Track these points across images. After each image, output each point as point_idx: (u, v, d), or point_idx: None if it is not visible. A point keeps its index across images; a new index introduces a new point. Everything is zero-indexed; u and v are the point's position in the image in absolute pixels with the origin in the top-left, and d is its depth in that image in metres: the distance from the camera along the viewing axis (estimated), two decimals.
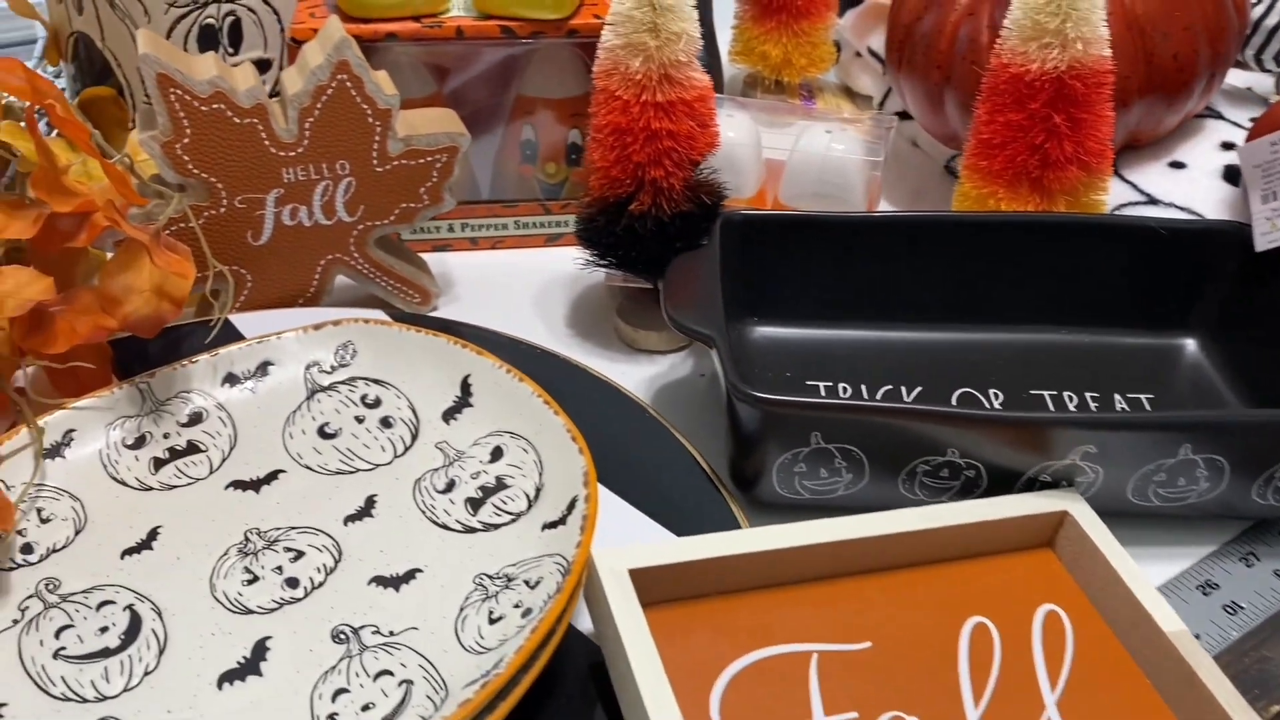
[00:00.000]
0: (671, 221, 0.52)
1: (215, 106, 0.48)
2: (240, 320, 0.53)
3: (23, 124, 0.52)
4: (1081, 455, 0.44)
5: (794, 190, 0.60)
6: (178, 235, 0.50)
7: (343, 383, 0.48)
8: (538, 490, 0.42)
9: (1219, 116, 0.66)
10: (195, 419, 0.46)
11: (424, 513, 0.43)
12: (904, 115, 0.78)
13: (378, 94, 0.51)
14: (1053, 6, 0.52)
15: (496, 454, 0.45)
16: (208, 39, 0.58)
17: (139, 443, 0.45)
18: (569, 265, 0.60)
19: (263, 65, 0.60)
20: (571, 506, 0.40)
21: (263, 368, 0.48)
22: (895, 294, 0.56)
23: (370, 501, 0.43)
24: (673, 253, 0.53)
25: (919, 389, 0.54)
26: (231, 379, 0.47)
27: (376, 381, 0.48)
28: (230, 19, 0.58)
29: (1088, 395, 0.54)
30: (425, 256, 0.60)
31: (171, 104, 0.48)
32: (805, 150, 0.60)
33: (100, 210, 0.47)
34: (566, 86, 0.61)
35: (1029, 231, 0.55)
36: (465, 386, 0.47)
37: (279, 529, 0.42)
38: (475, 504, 0.43)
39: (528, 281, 0.62)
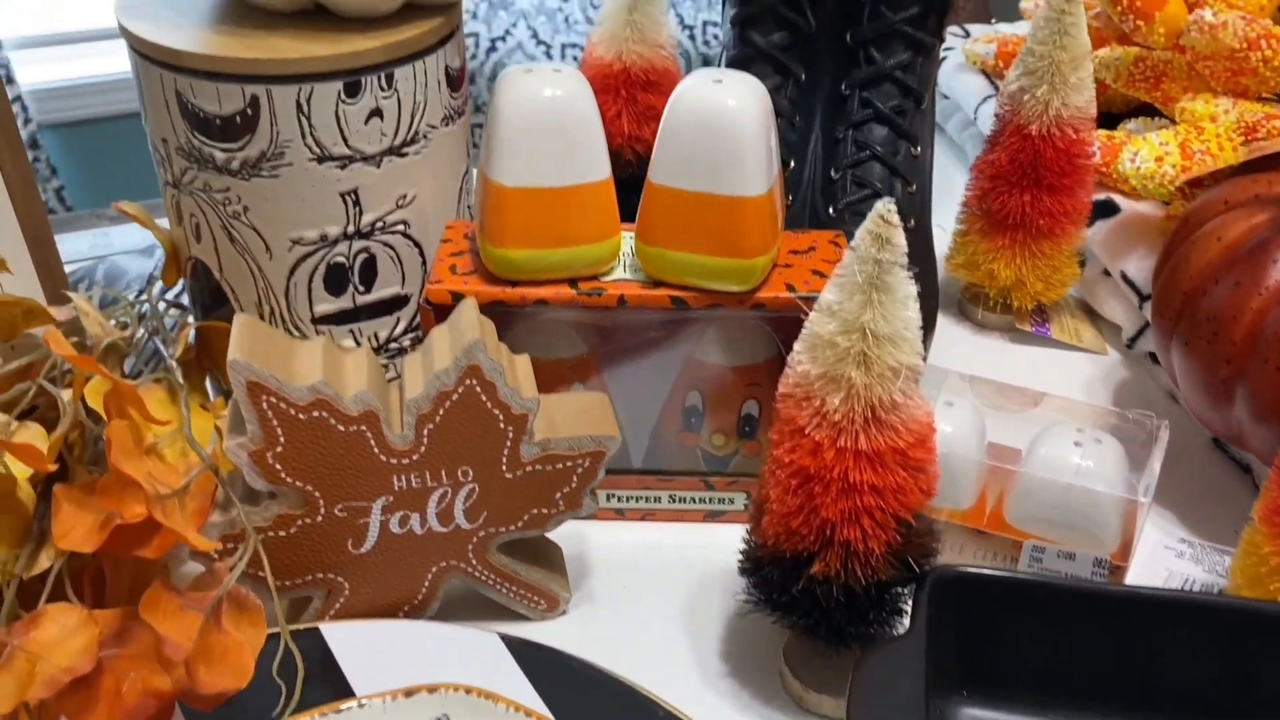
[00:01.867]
0: (866, 592, 0.40)
1: (316, 415, 0.40)
2: (331, 631, 0.44)
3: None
4: None
5: (1025, 512, 0.48)
6: (265, 544, 0.42)
7: None
8: None
9: None
10: None
11: None
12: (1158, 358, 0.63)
13: (513, 399, 0.42)
14: None
15: None
16: (336, 279, 0.50)
17: None
18: (729, 552, 0.49)
19: (398, 302, 0.52)
20: None
21: None
22: (1153, 683, 0.43)
23: None
24: (864, 623, 0.42)
25: None
26: None
27: None
28: (363, 256, 0.50)
29: None
30: (561, 531, 0.51)
31: (263, 412, 0.40)
32: (1045, 467, 0.47)
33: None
34: (746, 353, 0.50)
35: None
36: None
37: None
38: None
39: (678, 575, 0.51)
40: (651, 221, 0.46)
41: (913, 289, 0.38)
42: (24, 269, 0.52)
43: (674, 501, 0.53)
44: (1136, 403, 0.62)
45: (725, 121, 0.43)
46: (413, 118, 0.48)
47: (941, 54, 0.88)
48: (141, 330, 0.52)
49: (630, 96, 0.65)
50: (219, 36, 0.46)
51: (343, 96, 0.46)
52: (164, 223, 0.54)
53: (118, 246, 0.71)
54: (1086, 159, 0.61)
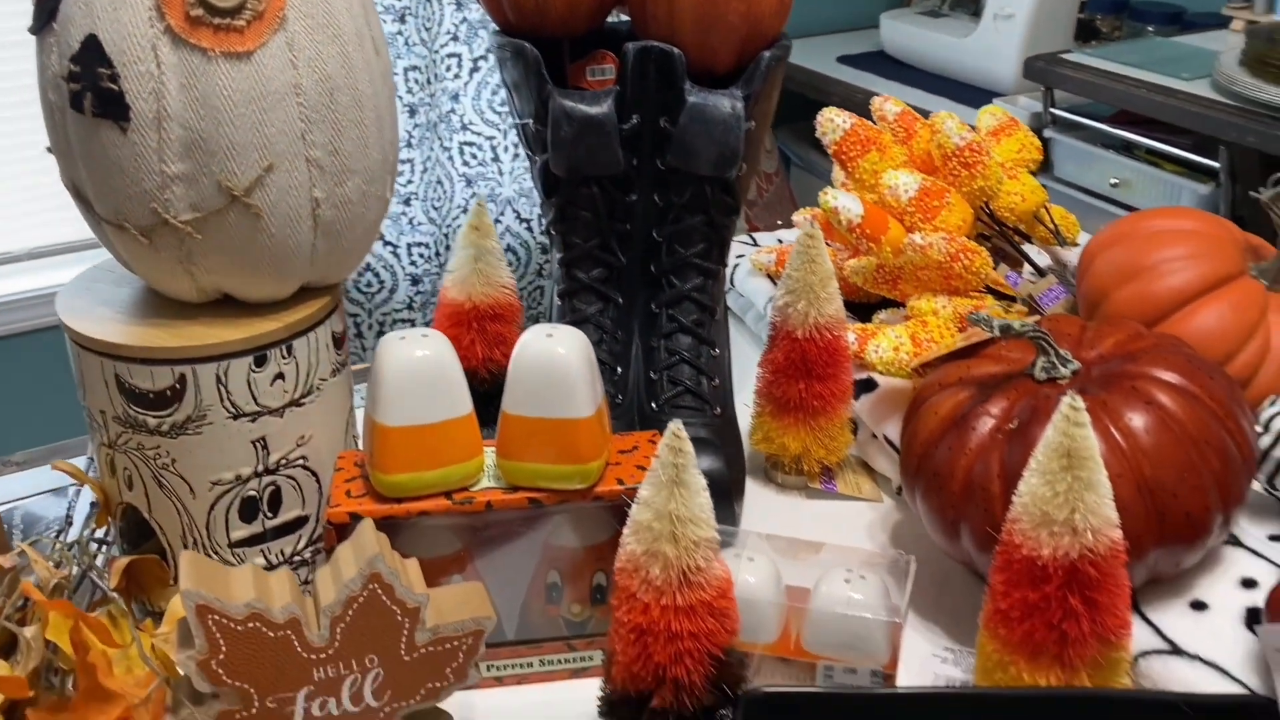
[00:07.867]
0: (694, 716, 0.52)
1: (251, 625, 0.50)
2: None
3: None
4: None
5: (816, 641, 0.61)
6: None
7: None
8: None
9: (1238, 543, 0.66)
10: None
11: None
12: None
13: (408, 595, 0.53)
14: (1059, 499, 0.53)
15: None
16: (248, 509, 0.60)
17: None
18: (591, 701, 0.60)
19: (300, 522, 0.63)
20: None
21: None
22: None
23: None
24: None
25: None
26: None
27: None
28: (270, 489, 0.61)
29: None
30: (451, 701, 0.61)
31: (208, 628, 0.50)
32: (825, 603, 0.61)
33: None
34: (591, 536, 0.63)
35: (1053, 709, 0.55)
36: None
37: None
38: None
39: None
40: (508, 441, 0.59)
41: (703, 481, 0.52)
42: None
43: (544, 665, 0.64)
44: (909, 539, 0.77)
45: (557, 364, 0.57)
46: (308, 375, 0.60)
47: (735, 260, 1.07)
48: (75, 568, 0.62)
49: (480, 328, 0.79)
50: (147, 328, 0.57)
51: (253, 367, 0.58)
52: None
53: (22, 490, 0.79)
54: (844, 352, 0.77)
